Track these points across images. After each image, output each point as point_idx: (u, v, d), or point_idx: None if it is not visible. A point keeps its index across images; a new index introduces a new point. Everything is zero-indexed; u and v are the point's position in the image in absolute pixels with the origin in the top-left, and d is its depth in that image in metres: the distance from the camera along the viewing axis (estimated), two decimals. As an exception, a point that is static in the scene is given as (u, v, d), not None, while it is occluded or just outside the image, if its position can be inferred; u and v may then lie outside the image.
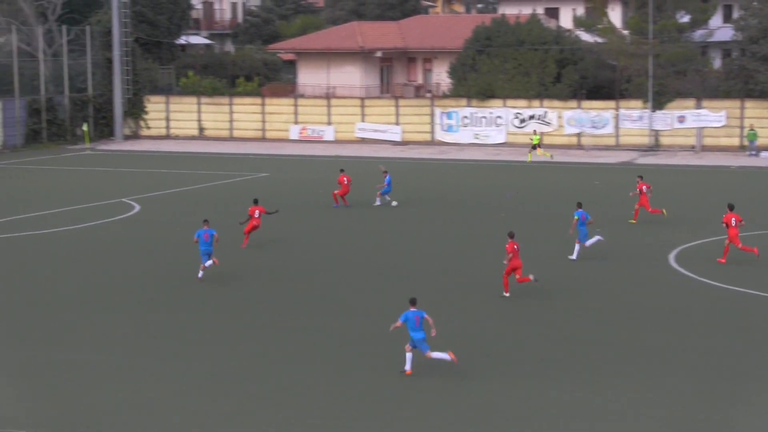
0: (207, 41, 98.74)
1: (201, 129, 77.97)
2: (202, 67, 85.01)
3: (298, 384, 22.94)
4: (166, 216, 43.72)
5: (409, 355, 23.22)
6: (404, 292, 27.87)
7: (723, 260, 34.27)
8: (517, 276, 29.98)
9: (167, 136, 78.13)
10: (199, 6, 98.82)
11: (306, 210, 45.09)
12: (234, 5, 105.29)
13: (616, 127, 69.68)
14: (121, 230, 41.18)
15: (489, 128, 72.07)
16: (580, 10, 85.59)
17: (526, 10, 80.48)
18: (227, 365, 24.31)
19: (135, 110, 77.96)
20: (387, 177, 45.88)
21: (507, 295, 30.04)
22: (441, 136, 72.80)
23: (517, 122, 71.49)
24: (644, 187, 40.93)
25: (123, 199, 48.35)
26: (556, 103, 70.83)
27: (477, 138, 72.21)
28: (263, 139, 76.10)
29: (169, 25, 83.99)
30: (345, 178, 45.51)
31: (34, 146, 71.36)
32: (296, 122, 76.12)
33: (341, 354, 25.13)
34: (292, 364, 24.29)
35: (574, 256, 34.79)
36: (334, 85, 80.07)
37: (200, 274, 31.99)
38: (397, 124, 73.86)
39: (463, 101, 72.75)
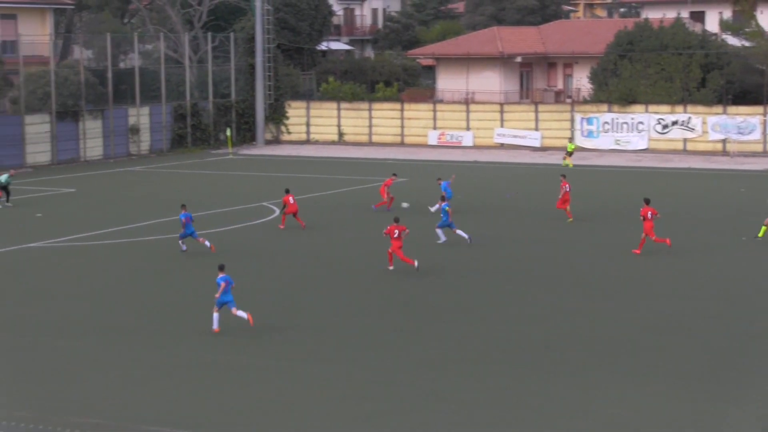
0: (347, 47, 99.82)
1: (340, 134, 78.90)
2: (343, 73, 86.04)
3: (446, 390, 23.15)
4: (305, 220, 44.36)
5: (216, 315, 27.16)
6: (550, 300, 27.69)
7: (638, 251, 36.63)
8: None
9: (307, 141, 79.30)
10: (340, 12, 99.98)
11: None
12: (374, 11, 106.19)
13: (764, 133, 68.06)
14: (262, 234, 42.01)
15: (630, 134, 71.17)
16: (727, 14, 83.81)
17: (671, 14, 79.21)
18: (385, 369, 24.58)
19: (276, 115, 79.38)
20: (443, 184, 44.24)
21: None
22: (581, 141, 72.14)
23: (659, 128, 70.43)
24: None
25: (264, 203, 49.29)
26: (701, 108, 69.53)
27: (618, 144, 71.37)
28: (402, 144, 76.60)
29: (310, 31, 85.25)
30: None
31: (179, 150, 73.26)
32: (435, 127, 76.42)
33: (487, 359, 25.25)
34: (433, 371, 24.49)
35: None
36: (473, 90, 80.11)
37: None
38: (536, 129, 73.53)
39: (604, 107, 72.00)
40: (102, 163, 68.37)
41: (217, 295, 27.30)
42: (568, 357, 25.08)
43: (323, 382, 23.50)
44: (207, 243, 37.73)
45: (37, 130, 66.18)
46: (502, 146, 73.85)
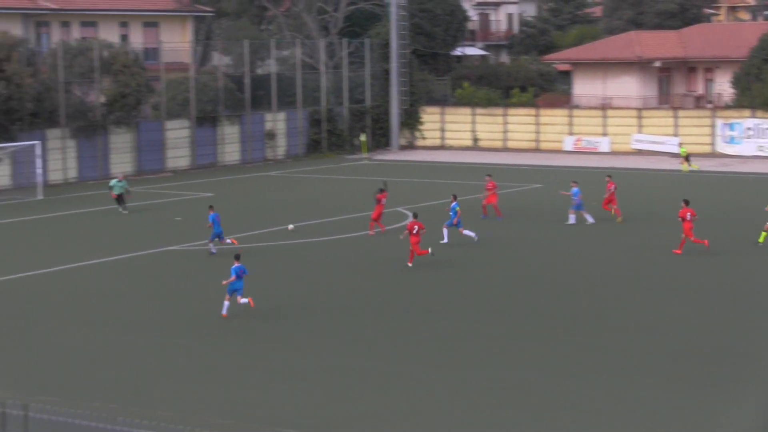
0: (482, 52, 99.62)
1: (475, 139, 78.78)
2: (477, 78, 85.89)
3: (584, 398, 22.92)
4: (439, 226, 44.38)
5: (227, 303, 29.24)
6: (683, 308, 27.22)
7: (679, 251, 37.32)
8: None
9: (442, 147, 79.38)
10: (475, 18, 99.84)
11: (589, 224, 44.74)
12: (510, 16, 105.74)
13: None
14: (396, 238, 42.18)
15: (774, 140, 69.46)
16: None
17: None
18: (522, 377, 24.50)
19: (411, 121, 79.67)
20: (574, 189, 43.91)
21: None
22: (722, 148, 70.61)
23: (804, 134, 68.53)
24: None
25: (398, 209, 49.48)
26: None
27: (761, 150, 69.62)
28: (537, 150, 76.11)
29: (445, 36, 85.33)
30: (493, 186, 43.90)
31: (315, 155, 74.09)
32: (571, 133, 75.71)
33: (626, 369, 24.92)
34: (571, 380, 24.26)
35: None
36: (610, 95, 79.12)
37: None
38: (675, 135, 72.22)
39: (747, 112, 70.32)
40: (239, 167, 69.58)
41: (225, 282, 29.60)
42: (703, 367, 24.59)
43: (462, 388, 23.49)
44: (229, 240, 38.73)
45: (177, 135, 67.73)
46: (639, 152, 72.76)
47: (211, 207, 39.47)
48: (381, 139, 78.63)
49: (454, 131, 79.58)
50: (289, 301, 32.03)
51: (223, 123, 69.99)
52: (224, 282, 29.82)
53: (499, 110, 78.09)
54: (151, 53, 73.09)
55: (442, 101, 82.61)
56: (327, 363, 25.46)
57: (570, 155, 73.45)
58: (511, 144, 77.52)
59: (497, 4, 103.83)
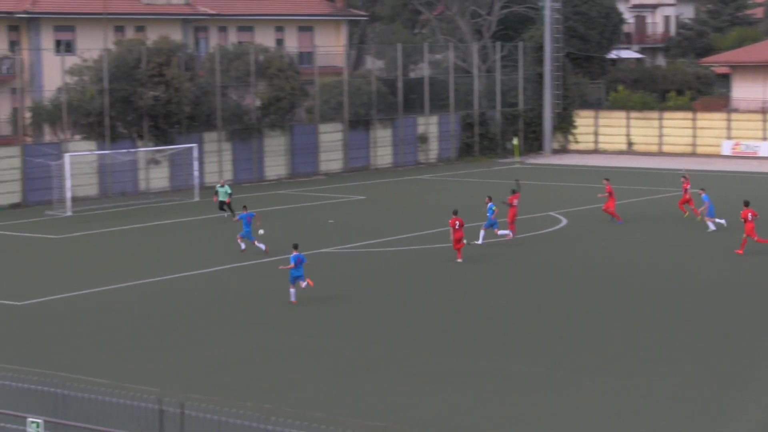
0: (638, 55, 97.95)
1: (629, 143, 77.48)
2: (633, 81, 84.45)
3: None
4: (593, 230, 43.83)
5: (293, 291, 31.52)
6: None
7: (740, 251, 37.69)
8: None
9: (595, 151, 78.31)
10: (631, 20, 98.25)
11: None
12: (667, 18, 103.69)
13: None
14: (549, 244, 41.79)
15: None
16: None
17: None
18: (664, 384, 24.05)
19: (564, 125, 78.85)
20: (703, 196, 43.21)
21: None
22: None
23: None
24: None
25: (550, 213, 49.01)
26: None
27: None
28: (693, 154, 74.43)
29: (600, 39, 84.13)
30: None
31: (467, 159, 73.93)
32: (729, 137, 73.80)
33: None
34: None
35: None
36: (771, 98, 76.92)
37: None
38: (840, 140, 69.76)
39: None
40: (391, 171, 69.91)
41: (282, 267, 32.61)
42: None
43: (596, 393, 23.12)
44: (262, 246, 39.38)
45: (331, 138, 68.42)
46: (802, 157, 70.53)
47: (244, 207, 40.88)
48: (533, 143, 78.01)
49: (608, 135, 78.41)
50: (431, 304, 32.01)
51: (375, 126, 70.46)
52: (281, 267, 33.04)
53: (655, 114, 76.63)
54: (306, 57, 74.07)
55: (595, 105, 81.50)
56: (471, 366, 25.36)
57: (728, 160, 71.59)
58: (666, 148, 75.98)
59: (654, 6, 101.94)
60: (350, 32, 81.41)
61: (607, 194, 46.20)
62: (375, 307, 31.78)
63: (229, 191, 48.98)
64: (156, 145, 59.27)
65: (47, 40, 65.97)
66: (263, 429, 16.90)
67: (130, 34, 66.97)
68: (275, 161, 65.53)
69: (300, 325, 29.78)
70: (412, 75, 78.19)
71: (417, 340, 28.00)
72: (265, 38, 72.79)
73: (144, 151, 58.81)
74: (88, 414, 17.80)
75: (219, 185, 49.47)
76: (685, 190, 46.50)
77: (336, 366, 25.70)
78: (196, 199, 56.32)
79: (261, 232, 39.85)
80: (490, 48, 78.46)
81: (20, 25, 66.07)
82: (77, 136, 58.67)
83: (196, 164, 57.91)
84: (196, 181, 57.54)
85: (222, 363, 26.14)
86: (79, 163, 54.91)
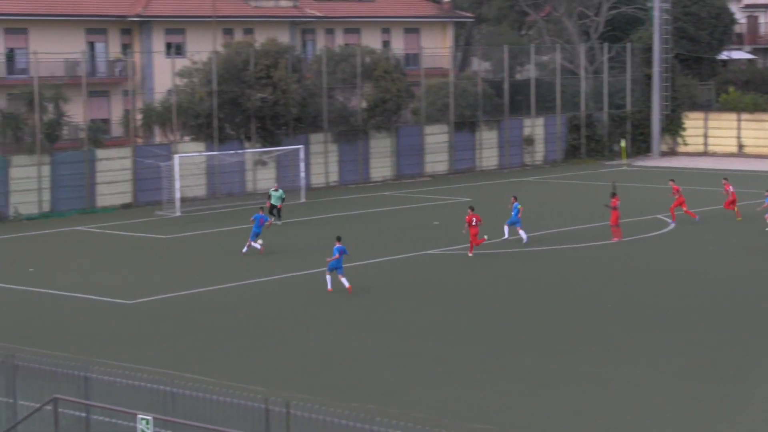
0: (750, 56, 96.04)
1: (740, 146, 75.99)
2: (744, 83, 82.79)
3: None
4: (699, 234, 43.10)
5: (329, 278, 33.81)
6: None
7: None
8: None
9: (704, 153, 76.96)
10: (743, 20, 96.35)
11: None
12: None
13: None
14: (658, 246, 41.26)
15: None
16: None
17: None
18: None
19: (672, 126, 77.64)
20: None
21: None
22: None
23: None
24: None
25: (658, 216, 48.34)
26: None
27: None
28: (808, 157, 72.86)
29: (710, 40, 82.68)
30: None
31: (573, 161, 73.27)
32: None
33: None
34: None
35: None
36: None
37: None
38: None
39: None
40: (496, 173, 69.63)
41: (329, 260, 33.80)
42: None
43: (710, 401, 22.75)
44: (258, 245, 40.53)
45: (436, 140, 68.39)
46: None
47: (261, 209, 43.02)
48: (641, 145, 76.97)
49: (718, 137, 76.99)
50: (532, 306, 31.82)
51: (481, 128, 70.23)
52: (328, 259, 34.02)
53: (767, 116, 75.00)
54: (412, 59, 74.19)
55: (705, 106, 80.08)
56: (574, 369, 25.14)
57: (844, 163, 69.85)
58: (779, 151, 74.44)
59: (767, 6, 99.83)
60: (456, 34, 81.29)
61: (674, 194, 46.84)
62: (475, 309, 31.73)
63: (283, 196, 49.16)
64: (263, 147, 59.94)
65: (158, 42, 67.23)
66: (368, 429, 16.98)
67: (238, 36, 67.85)
68: (381, 162, 65.77)
69: (400, 326, 29.84)
70: (518, 76, 77.79)
71: (518, 342, 27.88)
72: (372, 40, 73.10)
73: (251, 152, 59.51)
74: (196, 412, 18.08)
75: (273, 189, 49.58)
76: (728, 192, 47.49)
77: (438, 368, 25.70)
78: (302, 200, 56.78)
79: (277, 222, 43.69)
80: (597, 49, 77.67)
81: (132, 28, 67.44)
82: (186, 138, 59.64)
83: (302, 165, 58.40)
84: (303, 182, 58.02)
85: (325, 363, 26.33)
86: (188, 164, 55.80)
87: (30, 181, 52.58)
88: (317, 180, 62.71)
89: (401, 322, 30.37)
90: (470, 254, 39.72)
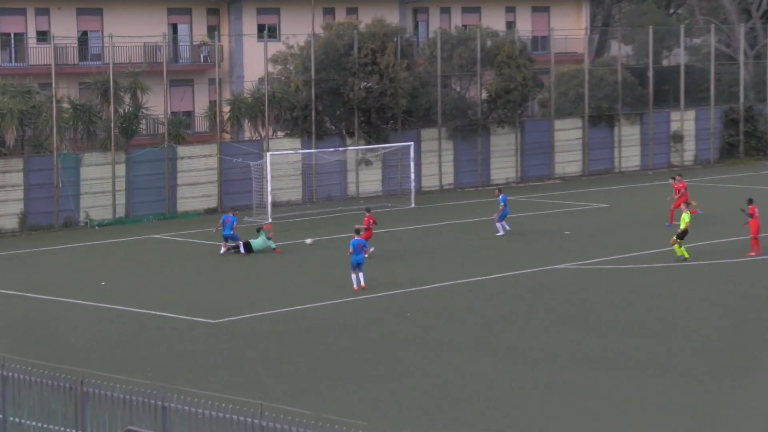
0: None
1: None
2: None
3: None
4: None
5: (354, 276, 36.71)
6: None
7: None
8: None
9: None
10: None
11: None
12: None
13: None
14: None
15: None
16: None
17: None
18: None
19: None
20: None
21: None
22: None
23: None
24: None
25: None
26: None
27: None
28: None
29: None
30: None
31: (729, 161, 72.12)
32: None
33: None
34: None
35: None
36: None
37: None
38: None
39: None
40: (639, 174, 68.88)
41: (349, 254, 37.00)
42: None
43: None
44: (222, 250, 44.02)
45: (568, 136, 67.94)
46: None
47: (233, 209, 46.33)
48: (812, 144, 75.47)
49: None
50: (675, 329, 31.39)
51: (620, 123, 69.55)
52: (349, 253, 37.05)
53: None
54: (541, 42, 73.85)
55: None
56: (726, 401, 24.66)
57: None
58: None
59: None
60: (592, 13, 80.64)
61: (676, 193, 49.16)
62: (612, 330, 31.35)
63: (270, 245, 45.16)
64: (368, 144, 60.16)
65: (249, 24, 67.99)
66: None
67: (340, 17, 68.21)
68: (503, 162, 65.52)
69: (526, 350, 29.58)
70: (665, 62, 76.90)
71: (659, 370, 27.49)
72: (494, 21, 72.89)
73: (354, 150, 59.77)
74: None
75: (264, 229, 46.16)
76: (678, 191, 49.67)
77: (574, 400, 25.39)
78: (412, 205, 56.81)
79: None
80: (759, 31, 76.38)
81: (220, 8, 68.32)
82: (280, 133, 60.18)
83: (412, 165, 58.45)
84: (413, 185, 58.07)
85: (442, 394, 26.18)
86: (281, 163, 56.31)
87: (103, 182, 53.59)
88: (429, 182, 62.73)
89: (524, 345, 30.13)
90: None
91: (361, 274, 37.09)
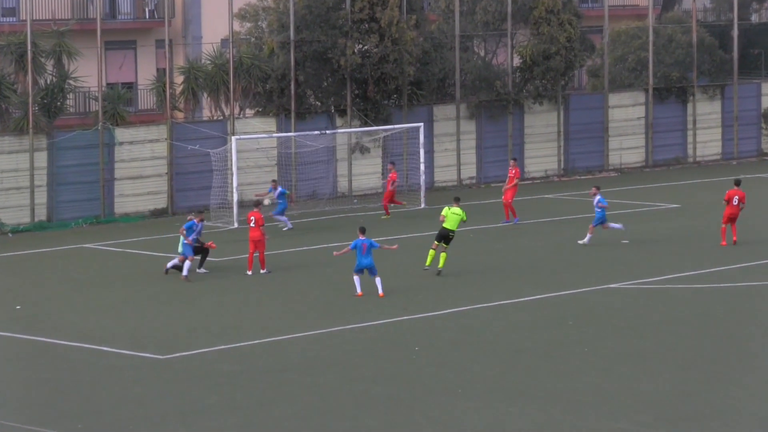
0: None
1: None
2: None
3: None
4: None
5: (357, 279, 39.78)
6: None
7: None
8: None
9: None
10: None
11: None
12: None
13: None
14: None
15: None
16: None
17: None
18: None
19: None
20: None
21: None
22: None
23: None
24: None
25: None
26: None
27: None
28: None
29: None
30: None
31: None
32: None
33: None
34: None
35: None
36: None
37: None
38: None
39: None
40: (720, 165, 69.05)
41: (336, 254, 41.38)
42: None
43: None
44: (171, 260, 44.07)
45: (626, 115, 67.98)
46: None
47: (200, 213, 45.42)
48: None
49: None
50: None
51: (695, 98, 69.61)
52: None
53: None
54: (590, -7, 73.89)
55: None
56: None
57: None
58: None
59: None
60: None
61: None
62: (689, 375, 31.54)
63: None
64: (364, 125, 60.17)
65: (209, -32, 68.03)
66: None
67: (327, -41, 68.28)
68: (541, 149, 65.61)
69: (573, 394, 29.75)
70: (754, 19, 77.03)
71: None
72: (529, -36, 73.01)
73: (346, 133, 59.80)
74: None
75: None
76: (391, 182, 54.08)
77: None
78: (422, 206, 56.85)
79: (267, 202, 50.31)
80: None
81: (170, -53, 68.30)
82: (249, 111, 60.18)
83: (422, 153, 58.40)
84: (423, 180, 58.02)
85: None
86: (250, 151, 56.40)
87: (18, 175, 53.55)
88: (444, 176, 62.84)
89: (573, 389, 30.31)
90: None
91: (377, 279, 39.78)
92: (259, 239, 43.51)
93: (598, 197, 47.38)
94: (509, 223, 52.28)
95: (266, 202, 50.13)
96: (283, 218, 52.03)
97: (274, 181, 53.80)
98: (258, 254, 43.71)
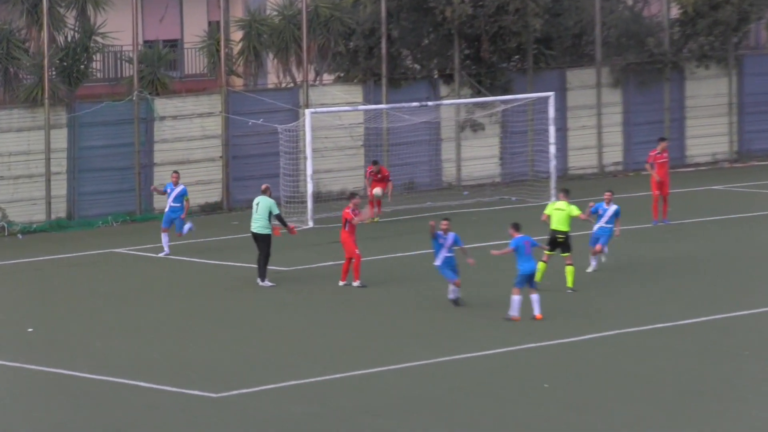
0: None
1: None
2: None
3: None
4: None
5: (517, 299, 39.75)
6: None
7: None
8: None
9: None
10: None
11: None
12: None
13: None
14: None
15: None
16: None
17: None
18: None
19: None
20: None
21: None
22: None
23: None
24: None
25: None
26: None
27: None
28: None
29: None
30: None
31: None
32: None
33: None
34: None
35: None
36: None
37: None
38: None
39: None
40: None
41: (495, 252, 41.57)
42: None
43: None
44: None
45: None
46: None
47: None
48: None
49: None
50: None
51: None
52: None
53: None
54: None
55: None
56: None
57: None
58: None
59: None
60: None
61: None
62: None
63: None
64: (476, 95, 60.23)
65: None
66: None
67: None
68: (707, 127, 65.50)
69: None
70: None
71: None
72: None
73: (454, 105, 59.86)
74: None
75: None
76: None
77: None
78: (552, 200, 56.73)
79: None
80: None
81: None
82: (328, 77, 60.37)
83: (553, 131, 58.35)
84: (554, 165, 57.94)
85: None
86: (329, 128, 56.58)
87: (30, 160, 53.95)
88: (581, 161, 62.97)
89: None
90: None
91: (534, 296, 39.91)
92: (343, 242, 43.51)
93: (614, 207, 46.06)
94: (659, 224, 52.19)
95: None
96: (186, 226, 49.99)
97: (175, 172, 50.98)
98: (353, 261, 43.70)
